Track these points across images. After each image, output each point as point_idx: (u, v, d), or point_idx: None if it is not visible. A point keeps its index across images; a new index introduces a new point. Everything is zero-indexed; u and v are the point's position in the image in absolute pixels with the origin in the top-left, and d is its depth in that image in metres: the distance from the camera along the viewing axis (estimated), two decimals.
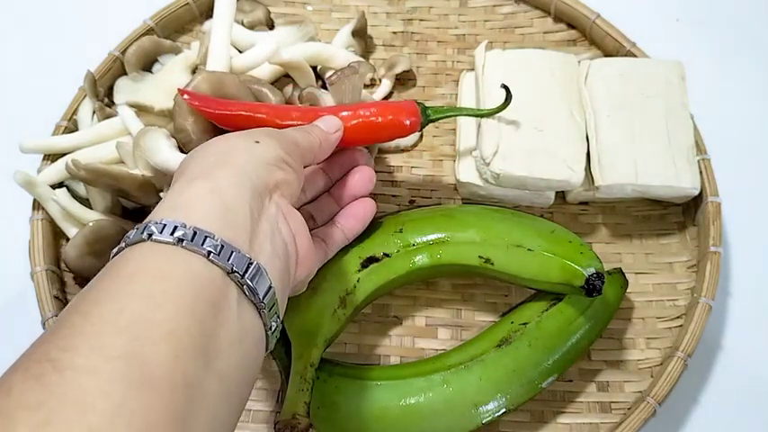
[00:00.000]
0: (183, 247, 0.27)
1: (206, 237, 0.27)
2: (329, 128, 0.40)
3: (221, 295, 0.27)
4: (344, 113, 0.42)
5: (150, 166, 0.45)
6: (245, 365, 0.28)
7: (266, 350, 0.30)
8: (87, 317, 0.23)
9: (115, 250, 0.28)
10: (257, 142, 0.34)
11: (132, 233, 0.28)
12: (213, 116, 0.43)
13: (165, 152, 0.44)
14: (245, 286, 0.28)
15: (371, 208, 0.43)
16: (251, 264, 0.28)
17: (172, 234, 0.27)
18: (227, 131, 0.44)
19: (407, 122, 0.43)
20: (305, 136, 0.38)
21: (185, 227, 0.27)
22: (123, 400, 0.21)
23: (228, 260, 0.27)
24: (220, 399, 0.25)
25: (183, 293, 0.25)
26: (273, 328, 0.31)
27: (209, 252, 0.27)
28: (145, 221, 0.28)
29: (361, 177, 0.43)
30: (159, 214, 0.28)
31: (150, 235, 0.27)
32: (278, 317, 0.31)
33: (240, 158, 0.32)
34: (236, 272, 0.28)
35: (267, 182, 0.33)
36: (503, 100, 0.47)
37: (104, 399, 0.21)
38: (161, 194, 0.46)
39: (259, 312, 0.29)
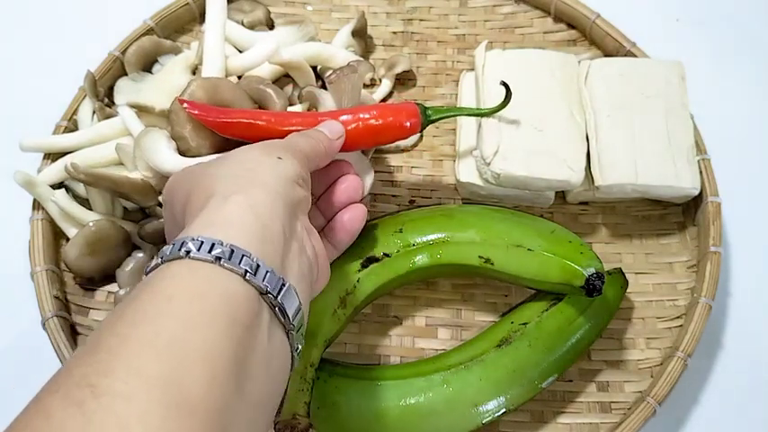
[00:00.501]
0: (220, 265, 0.27)
1: (243, 255, 0.27)
2: (333, 134, 0.40)
3: (255, 316, 0.27)
4: (345, 117, 0.42)
5: (150, 167, 0.45)
6: (272, 388, 0.28)
7: (290, 370, 0.30)
8: (125, 339, 0.23)
9: (151, 265, 0.28)
10: (280, 158, 0.34)
11: (169, 249, 0.27)
12: (213, 124, 0.43)
13: (164, 154, 0.44)
14: (276, 308, 0.28)
15: (361, 216, 0.41)
16: (284, 285, 0.28)
17: (210, 252, 0.27)
18: (227, 139, 0.44)
19: (408, 124, 0.43)
20: (311, 143, 0.38)
21: (223, 244, 0.27)
22: (161, 426, 0.21)
23: (263, 280, 0.27)
24: (250, 422, 0.25)
25: (220, 315, 0.25)
26: (299, 350, 0.30)
27: (246, 271, 0.27)
28: (181, 237, 0.28)
29: (348, 187, 0.41)
30: (196, 230, 0.28)
31: (188, 252, 0.27)
32: (303, 337, 0.31)
33: (268, 176, 0.32)
34: (269, 293, 0.28)
35: (293, 200, 0.33)
36: (502, 98, 0.47)
37: (143, 425, 0.21)
38: (160, 198, 0.46)
39: (287, 334, 0.29)
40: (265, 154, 0.34)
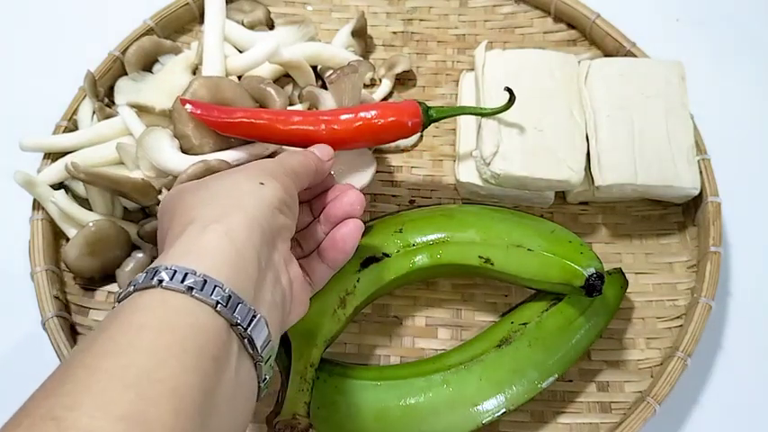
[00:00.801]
0: (192, 296, 0.27)
1: (215, 286, 0.27)
2: (323, 155, 0.40)
3: (223, 349, 0.27)
4: (346, 116, 0.42)
5: (153, 166, 0.45)
6: (237, 419, 0.28)
7: (256, 400, 0.30)
8: (93, 372, 0.23)
9: (123, 293, 0.28)
10: (262, 184, 0.34)
11: (142, 277, 0.27)
12: (215, 124, 0.43)
13: (167, 152, 0.44)
14: (246, 339, 0.28)
15: (355, 233, 0.39)
16: (254, 316, 0.28)
17: (182, 282, 0.27)
18: (229, 138, 0.44)
19: (410, 123, 0.43)
20: (300, 160, 0.38)
21: (196, 274, 0.27)
22: None
23: (234, 312, 0.27)
24: None
25: (189, 348, 0.25)
26: (266, 380, 0.30)
27: (217, 303, 0.27)
28: (155, 264, 0.28)
29: (346, 202, 0.40)
30: (171, 259, 0.28)
31: (161, 281, 0.27)
32: (271, 368, 0.31)
33: (248, 203, 0.32)
34: (239, 324, 0.28)
35: (273, 228, 0.33)
36: (504, 100, 0.47)
37: None
38: (160, 197, 0.46)
39: (255, 365, 0.29)
40: (247, 179, 0.34)
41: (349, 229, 0.39)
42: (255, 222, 0.31)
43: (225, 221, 0.30)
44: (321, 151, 0.41)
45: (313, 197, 0.42)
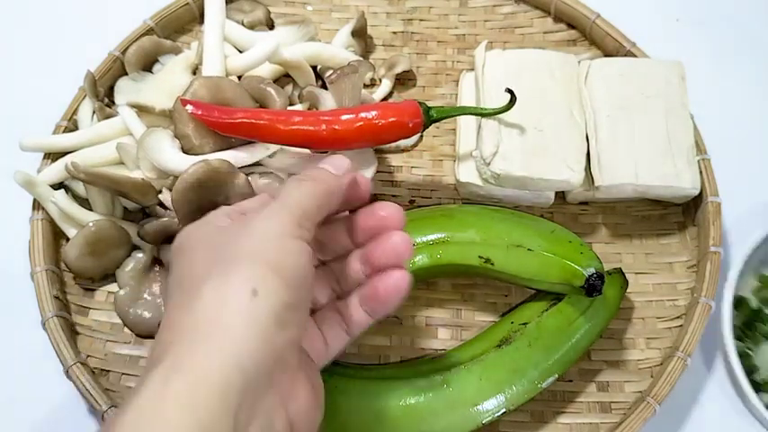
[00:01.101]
0: None
1: None
2: (338, 169, 0.34)
3: None
4: (347, 116, 0.42)
5: (154, 166, 0.45)
6: None
7: None
8: None
9: None
10: (255, 294, 0.27)
11: None
12: (216, 125, 0.43)
13: (168, 153, 0.44)
14: None
15: (401, 287, 0.33)
16: None
17: None
18: (230, 138, 0.44)
19: (410, 124, 0.43)
20: (311, 191, 0.31)
21: None
22: None
23: None
24: None
25: None
26: None
27: None
28: None
29: (388, 249, 0.33)
30: (124, 427, 0.23)
31: None
32: None
33: (234, 332, 0.26)
34: None
35: (267, 360, 0.27)
36: (504, 100, 0.47)
37: None
38: (160, 197, 0.46)
39: None
40: (237, 289, 0.27)
41: (394, 281, 0.33)
42: (237, 367, 0.25)
43: (197, 368, 0.25)
44: (334, 165, 0.34)
45: (342, 211, 0.36)
